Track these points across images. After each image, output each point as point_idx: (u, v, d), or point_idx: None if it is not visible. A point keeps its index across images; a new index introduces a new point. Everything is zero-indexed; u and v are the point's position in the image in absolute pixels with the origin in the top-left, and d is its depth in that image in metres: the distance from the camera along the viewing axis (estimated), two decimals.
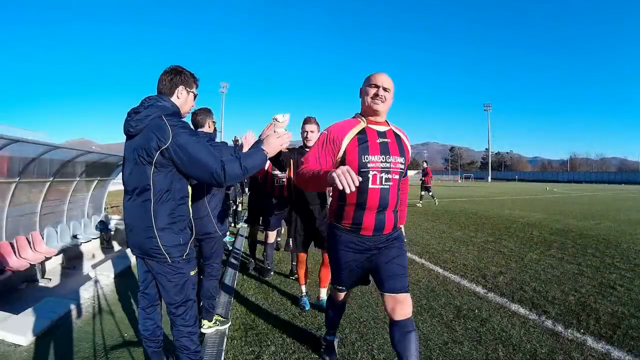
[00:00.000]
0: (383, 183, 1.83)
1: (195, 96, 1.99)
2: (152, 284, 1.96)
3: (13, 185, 6.21)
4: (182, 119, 1.85)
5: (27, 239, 6.61)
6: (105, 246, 9.12)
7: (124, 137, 1.82)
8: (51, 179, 7.16)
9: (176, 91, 1.88)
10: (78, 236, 8.18)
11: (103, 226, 8.93)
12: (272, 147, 1.89)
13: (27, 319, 2.90)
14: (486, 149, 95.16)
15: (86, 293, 3.69)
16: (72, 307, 3.28)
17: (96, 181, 9.04)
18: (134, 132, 1.75)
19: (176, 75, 1.88)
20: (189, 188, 1.93)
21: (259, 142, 1.93)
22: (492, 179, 70.83)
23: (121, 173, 2.08)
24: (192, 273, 1.92)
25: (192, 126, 2.39)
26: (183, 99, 1.91)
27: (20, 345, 2.60)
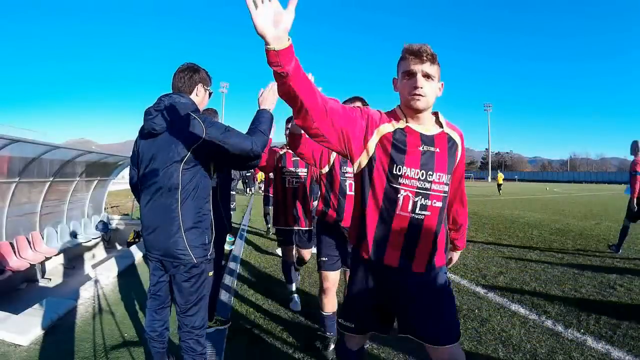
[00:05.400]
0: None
1: (210, 94, 2.01)
2: (166, 286, 1.92)
3: (13, 185, 6.22)
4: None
5: (27, 239, 6.61)
6: (106, 246, 9.14)
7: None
8: (51, 179, 7.16)
9: (195, 89, 1.89)
10: (78, 236, 8.18)
11: (103, 226, 8.94)
12: (269, 101, 1.89)
13: (27, 319, 2.89)
14: (486, 149, 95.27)
15: (86, 293, 3.68)
16: (72, 307, 3.28)
17: (96, 181, 9.04)
18: (159, 131, 1.72)
19: (195, 73, 1.89)
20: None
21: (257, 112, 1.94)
22: (492, 179, 70.76)
23: (130, 173, 2.05)
24: (210, 274, 1.89)
25: None
26: (201, 97, 1.93)
27: (20, 345, 2.60)
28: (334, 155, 2.32)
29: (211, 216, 1.87)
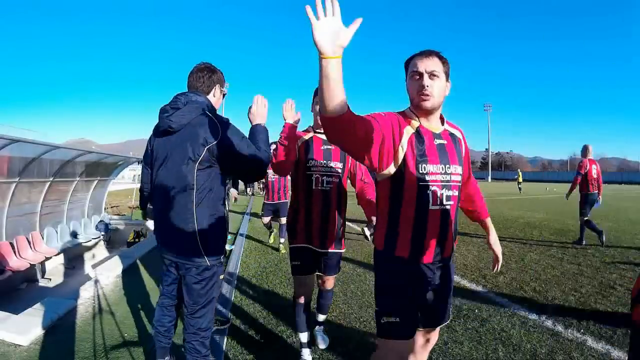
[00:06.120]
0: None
1: (224, 96, 2.01)
2: (177, 286, 1.93)
3: (13, 185, 6.22)
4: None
5: (27, 239, 6.61)
6: (106, 246, 9.14)
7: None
8: (51, 179, 7.16)
9: (213, 90, 1.89)
10: (78, 236, 8.18)
11: (103, 226, 8.94)
12: (260, 116, 1.89)
13: (27, 319, 2.90)
14: (486, 149, 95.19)
15: (86, 293, 3.68)
16: (72, 307, 3.28)
17: (96, 181, 9.04)
18: (176, 128, 1.70)
19: (214, 74, 1.88)
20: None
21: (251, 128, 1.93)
22: (492, 178, 70.82)
23: (142, 173, 2.06)
24: (222, 277, 1.90)
25: None
26: (217, 98, 1.93)
27: (20, 345, 2.60)
28: (405, 142, 1.35)
29: (224, 218, 1.86)
